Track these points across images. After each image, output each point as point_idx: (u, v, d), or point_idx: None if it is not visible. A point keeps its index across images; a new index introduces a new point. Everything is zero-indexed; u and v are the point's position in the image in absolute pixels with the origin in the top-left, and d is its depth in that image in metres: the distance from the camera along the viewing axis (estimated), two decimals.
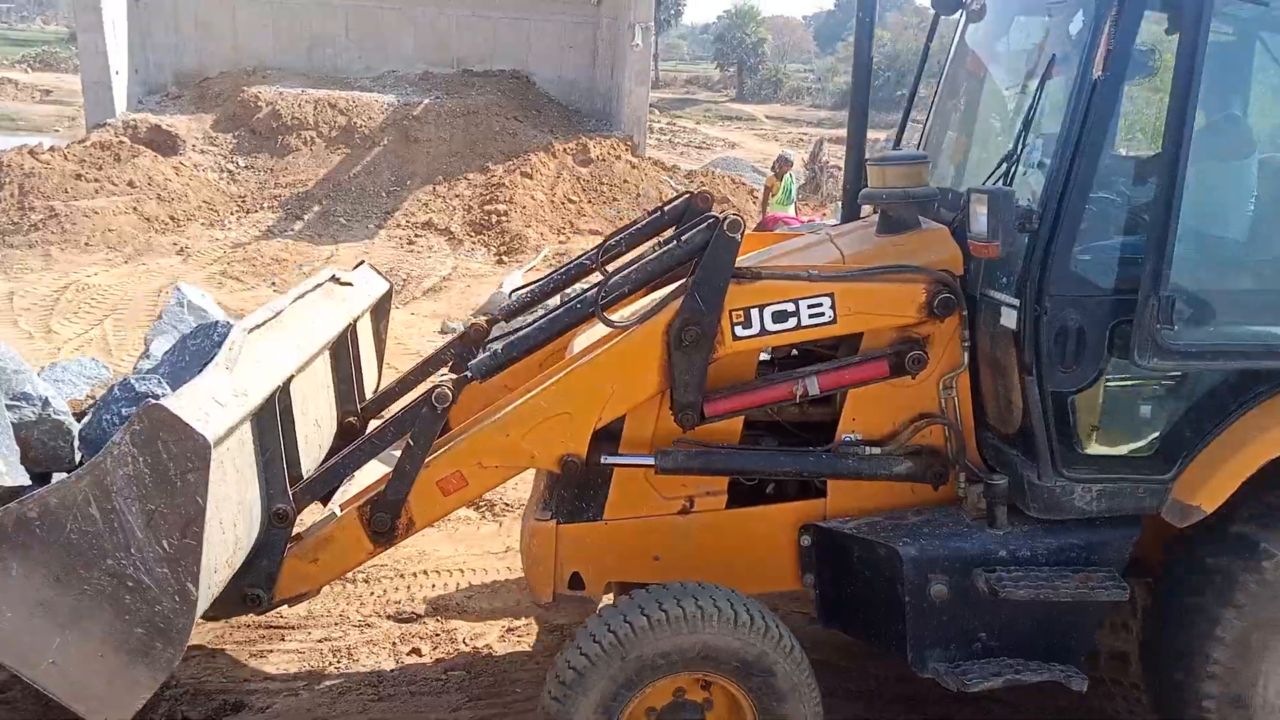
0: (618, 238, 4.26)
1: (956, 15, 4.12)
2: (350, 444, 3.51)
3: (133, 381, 3.07)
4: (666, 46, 64.16)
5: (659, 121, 36.27)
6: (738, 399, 3.42)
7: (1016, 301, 3.13)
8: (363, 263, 4.65)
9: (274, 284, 11.33)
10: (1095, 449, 3.22)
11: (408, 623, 4.56)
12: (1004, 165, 3.38)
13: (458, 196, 14.72)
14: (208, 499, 2.66)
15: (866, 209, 4.05)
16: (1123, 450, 3.25)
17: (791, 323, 3.33)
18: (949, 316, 3.33)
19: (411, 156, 15.37)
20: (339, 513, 3.47)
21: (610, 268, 4.25)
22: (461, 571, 5.06)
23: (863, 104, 4.00)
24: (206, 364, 3.23)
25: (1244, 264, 3.32)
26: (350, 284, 4.12)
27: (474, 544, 5.34)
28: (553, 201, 14.88)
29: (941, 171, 4.12)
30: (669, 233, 4.26)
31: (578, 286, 4.16)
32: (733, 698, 3.15)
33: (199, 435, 2.62)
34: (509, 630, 4.50)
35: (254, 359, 3.09)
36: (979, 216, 2.99)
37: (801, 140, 34.75)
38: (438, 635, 4.47)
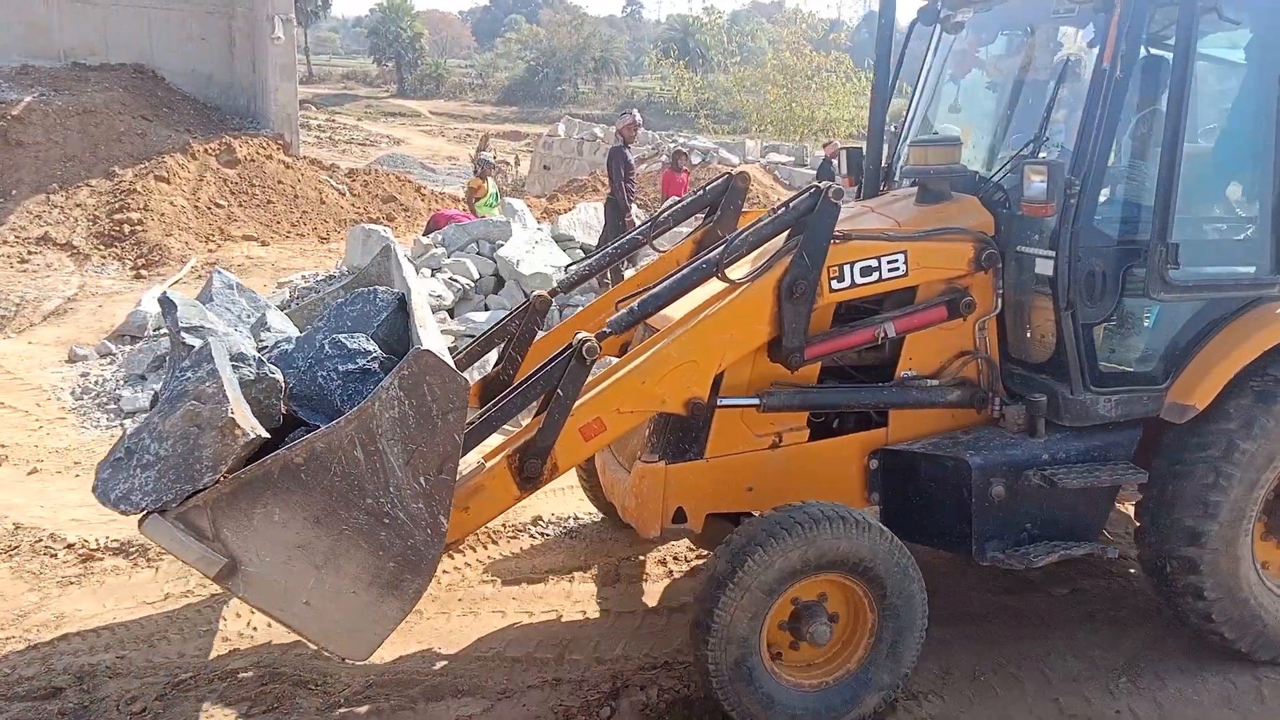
0: (665, 215, 4.74)
1: (932, 28, 4.90)
2: (497, 398, 3.77)
3: (343, 339, 3.22)
4: (318, 40, 62.94)
5: (316, 119, 35.32)
6: (831, 343, 4.01)
7: (1052, 253, 3.92)
8: None
9: None
10: (1112, 367, 4.07)
11: (45, 699, 3.80)
12: (1029, 145, 4.17)
13: (79, 206, 13.18)
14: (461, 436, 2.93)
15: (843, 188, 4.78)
16: (1132, 367, 4.11)
17: (874, 276, 3.97)
18: (990, 269, 4.08)
19: (16, 163, 13.52)
20: (485, 463, 3.74)
21: (658, 241, 4.75)
22: (111, 630, 4.36)
23: (883, 98, 4.68)
24: (370, 327, 3.45)
25: (1212, 220, 4.29)
26: None
27: (124, 596, 4.69)
28: (196, 207, 13.81)
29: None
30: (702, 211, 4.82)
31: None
32: (855, 599, 3.72)
33: (461, 377, 2.89)
34: (173, 684, 3.93)
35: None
36: (1034, 183, 3.74)
37: (469, 136, 35.16)
38: (83, 710, 3.74)
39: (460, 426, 2.93)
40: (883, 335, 4.05)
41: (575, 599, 4.79)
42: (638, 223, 10.22)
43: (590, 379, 3.72)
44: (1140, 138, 4.01)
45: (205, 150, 14.98)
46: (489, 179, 12.62)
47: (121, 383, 7.93)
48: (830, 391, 4.11)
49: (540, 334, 4.66)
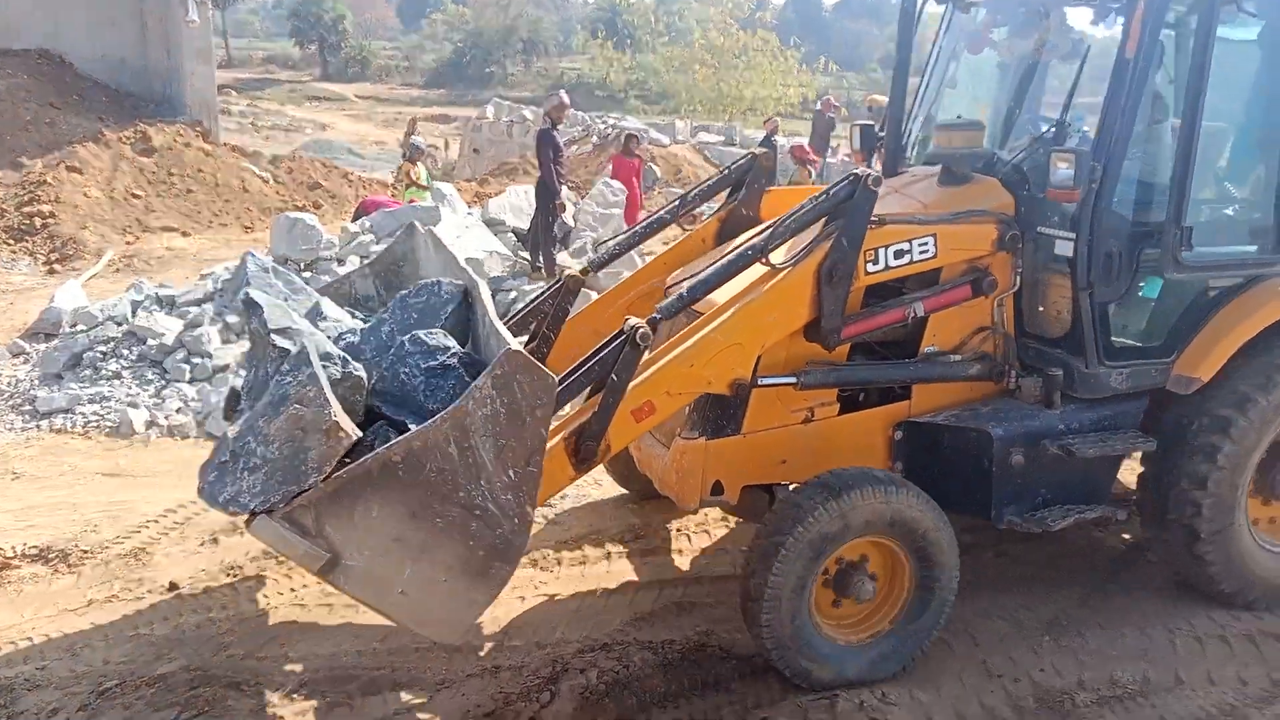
0: (692, 195, 4.85)
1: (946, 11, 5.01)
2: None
3: (423, 336, 3.29)
4: (236, 23, 60.31)
5: (237, 104, 34.30)
6: (866, 323, 4.20)
7: (1073, 235, 4.13)
8: None
9: None
10: (1123, 342, 4.33)
11: None
12: (1050, 130, 4.35)
13: None
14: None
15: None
16: (1141, 342, 4.38)
17: (906, 259, 4.15)
18: (1011, 250, 4.28)
19: None
20: None
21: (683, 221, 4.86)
22: (30, 640, 4.22)
23: (903, 79, 4.81)
24: (437, 318, 3.53)
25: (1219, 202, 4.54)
26: None
27: (44, 604, 4.56)
28: (112, 198, 13.37)
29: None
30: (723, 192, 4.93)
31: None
32: (895, 559, 3.97)
33: (550, 375, 3.02)
34: (97, 693, 3.81)
35: None
36: (1060, 170, 3.94)
37: (397, 119, 34.05)
38: None
39: (547, 421, 3.06)
40: (912, 315, 4.25)
41: (513, 585, 4.60)
42: (569, 205, 10.23)
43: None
44: (1154, 124, 4.21)
45: (119, 139, 14.39)
46: (420, 164, 12.41)
47: (36, 382, 7.57)
48: (862, 368, 4.30)
49: (572, 313, 4.76)
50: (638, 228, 4.86)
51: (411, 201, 11.01)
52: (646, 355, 3.83)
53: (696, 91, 31.89)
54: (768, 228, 3.99)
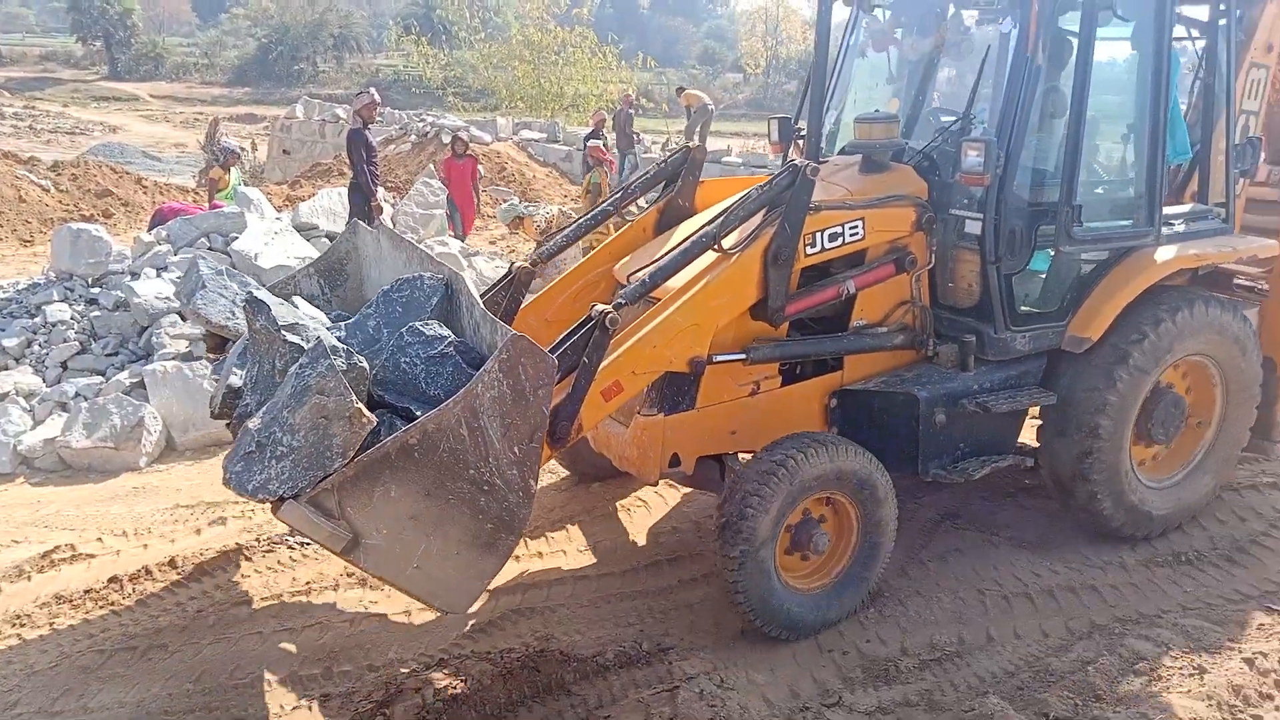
0: (633, 188, 5.14)
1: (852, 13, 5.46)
2: None
3: (420, 327, 3.44)
4: (7, 17, 56.95)
5: (11, 106, 32.92)
6: (805, 301, 4.59)
7: (980, 215, 4.63)
8: None
9: None
10: (1025, 309, 4.87)
11: None
12: (956, 122, 4.83)
13: None
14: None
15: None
16: (1041, 308, 4.93)
17: (839, 241, 4.57)
18: (927, 230, 4.76)
19: None
20: None
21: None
22: None
23: (822, 75, 5.20)
24: (422, 311, 3.72)
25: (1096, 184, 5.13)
26: None
27: None
28: None
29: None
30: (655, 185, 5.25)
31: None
32: (844, 511, 4.39)
33: (550, 358, 3.26)
34: None
35: None
36: (970, 157, 4.41)
37: (198, 120, 32.84)
38: None
39: (548, 400, 3.30)
40: (845, 292, 4.67)
41: (341, 608, 4.60)
42: (386, 207, 9.93)
43: None
44: (1047, 115, 4.75)
45: None
46: (233, 169, 11.76)
47: None
48: (802, 343, 4.70)
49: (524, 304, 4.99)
50: (581, 220, 5.11)
51: (214, 206, 10.26)
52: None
53: (517, 88, 31.43)
54: (719, 216, 4.32)
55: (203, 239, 8.70)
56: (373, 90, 10.23)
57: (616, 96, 20.47)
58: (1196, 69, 5.50)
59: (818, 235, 4.50)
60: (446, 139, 15.36)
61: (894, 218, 4.70)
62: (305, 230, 9.82)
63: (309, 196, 11.41)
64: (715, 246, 4.29)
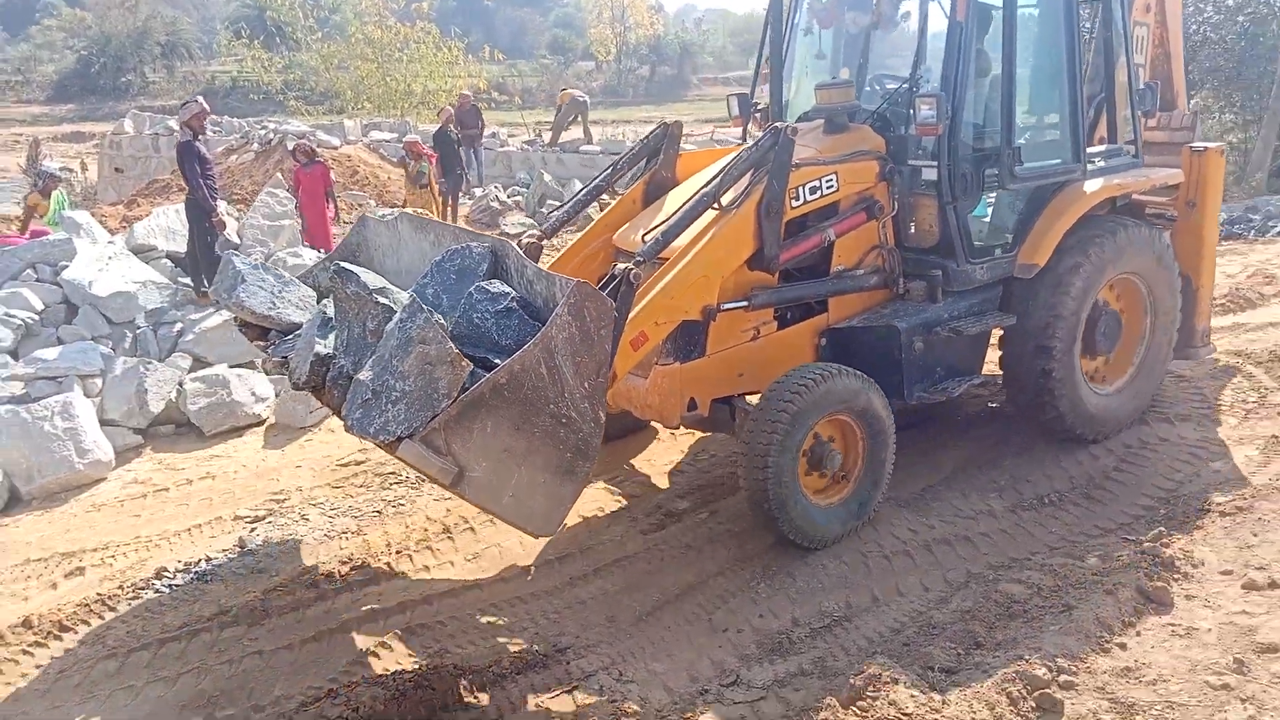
0: (621, 163, 5.61)
1: None
2: None
3: (486, 286, 3.83)
4: None
5: None
6: (795, 249, 5.14)
7: (935, 163, 5.26)
8: None
9: None
10: (981, 243, 5.51)
11: None
12: (903, 85, 5.45)
13: None
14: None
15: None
16: (993, 241, 5.58)
17: (818, 194, 5.14)
18: (889, 180, 5.36)
19: None
20: None
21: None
22: None
23: (778, 55, 5.76)
24: (474, 276, 4.13)
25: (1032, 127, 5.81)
26: None
27: None
28: None
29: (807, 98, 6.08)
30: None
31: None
32: (850, 433, 4.93)
33: (608, 300, 3.71)
34: None
35: None
36: (924, 111, 5.02)
37: (17, 142, 31.01)
38: None
39: (610, 339, 3.75)
40: (827, 239, 5.24)
41: (220, 648, 4.38)
42: (229, 221, 9.12)
43: None
44: (979, 73, 5.40)
45: None
46: (55, 193, 10.82)
47: None
48: (795, 287, 5.26)
49: None
50: (579, 194, 5.56)
51: (34, 234, 9.47)
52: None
53: (363, 88, 30.45)
54: (715, 178, 4.82)
55: (28, 270, 8.09)
56: (200, 99, 9.56)
57: (467, 90, 20.20)
58: (1093, 25, 6.27)
59: (800, 189, 5.05)
60: (290, 145, 14.48)
61: (861, 171, 5.29)
62: (143, 252, 9.32)
63: (146, 215, 10.69)
64: (714, 205, 4.79)
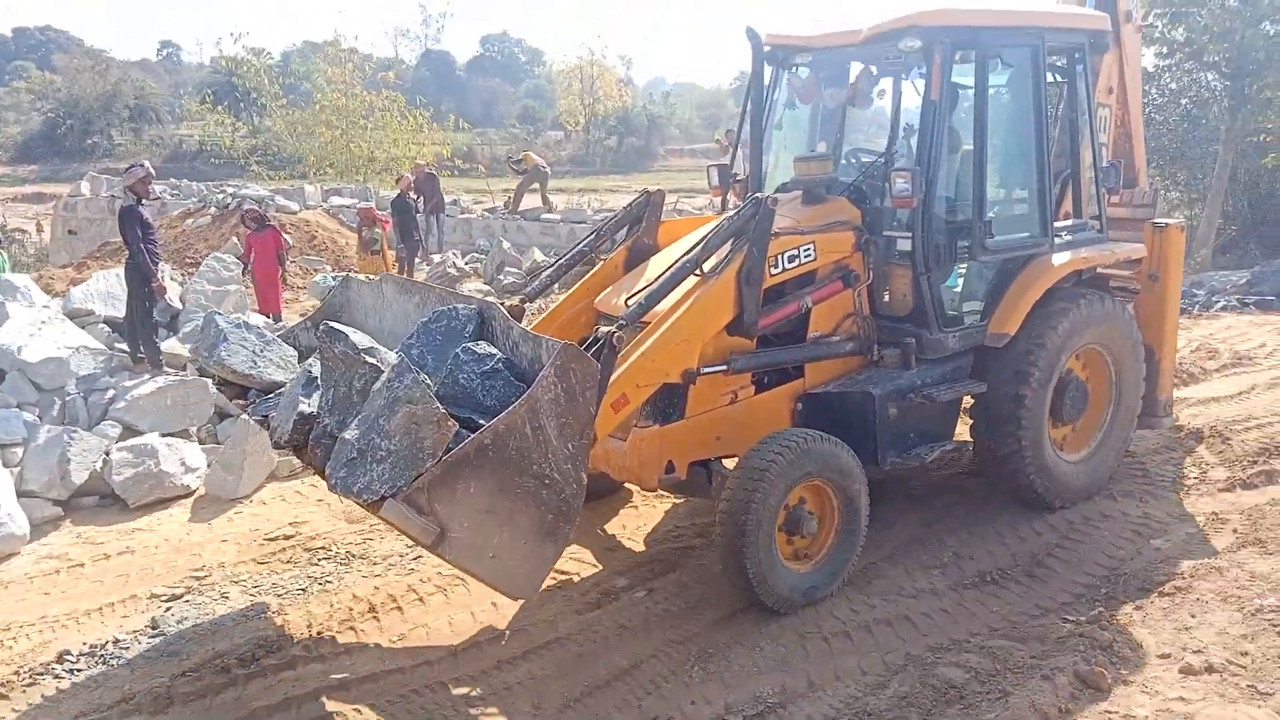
0: (605, 229, 5.73)
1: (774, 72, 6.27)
2: None
3: (473, 347, 3.87)
4: None
5: None
6: (773, 315, 5.25)
7: (910, 234, 5.41)
8: None
9: None
10: (953, 313, 5.65)
11: None
12: (879, 159, 5.63)
13: None
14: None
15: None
16: (965, 310, 5.73)
17: (796, 262, 5.26)
18: (864, 250, 5.51)
19: None
20: None
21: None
22: None
23: (759, 128, 5.94)
24: (460, 338, 4.18)
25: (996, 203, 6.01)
26: None
27: None
28: None
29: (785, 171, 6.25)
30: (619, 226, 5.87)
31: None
32: (826, 499, 4.98)
33: (594, 362, 3.77)
34: None
35: None
36: (899, 184, 5.19)
37: None
38: None
39: (595, 401, 3.79)
40: (805, 306, 5.36)
41: None
42: (172, 285, 8.95)
43: None
44: (953, 147, 5.61)
45: None
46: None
47: None
48: (773, 352, 5.35)
49: None
50: (562, 259, 5.65)
51: None
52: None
53: (326, 154, 30.36)
54: (696, 245, 4.93)
55: None
56: (146, 163, 9.32)
57: (432, 157, 20.29)
58: (1059, 106, 6.52)
59: (779, 257, 5.18)
60: (261, 208, 14.27)
61: (838, 241, 5.44)
62: (80, 316, 9.20)
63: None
64: (696, 271, 4.90)
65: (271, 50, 44.97)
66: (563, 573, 5.45)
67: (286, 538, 6.20)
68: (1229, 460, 6.58)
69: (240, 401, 4.78)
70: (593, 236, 5.72)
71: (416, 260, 15.40)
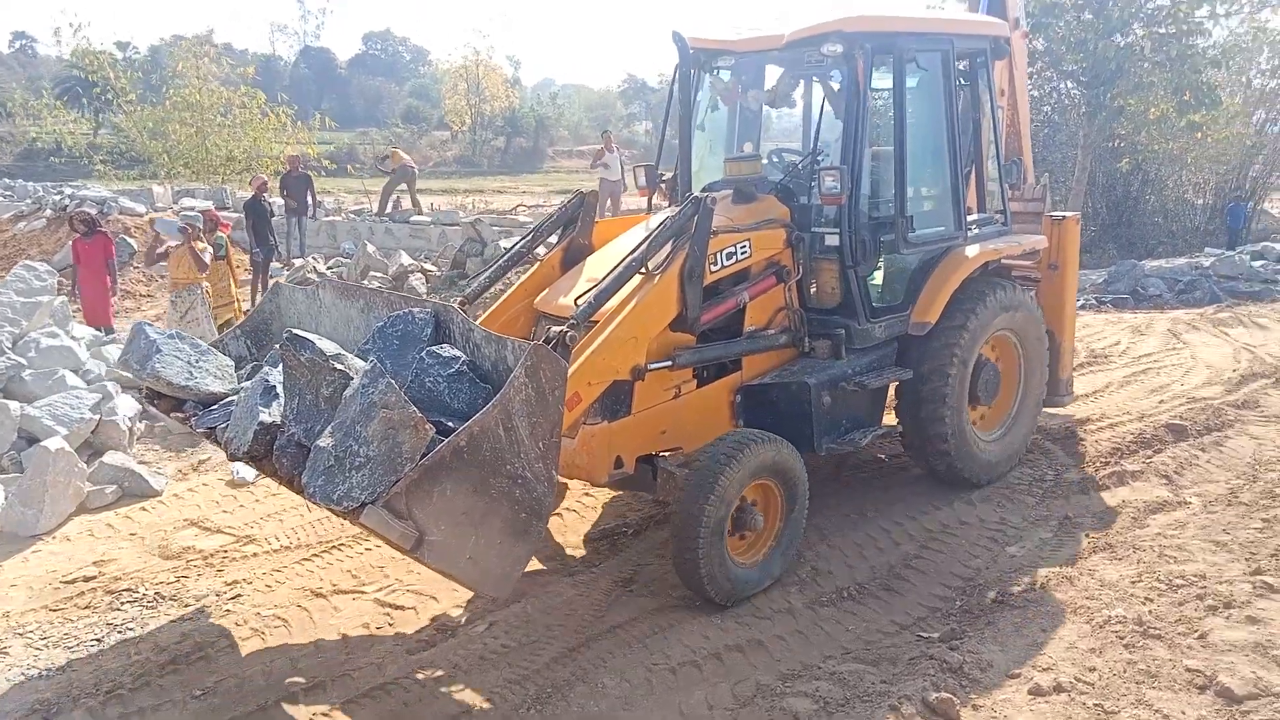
0: (540, 230, 5.76)
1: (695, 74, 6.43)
2: None
3: (437, 351, 3.83)
4: None
5: None
6: (713, 311, 5.38)
7: (838, 230, 5.65)
8: None
9: None
10: (879, 304, 5.92)
11: None
12: (806, 159, 5.85)
13: None
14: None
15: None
16: (889, 302, 6.00)
17: (734, 260, 5.42)
18: (794, 246, 5.72)
19: None
20: None
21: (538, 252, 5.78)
22: None
23: (687, 130, 6.07)
24: (418, 342, 4.17)
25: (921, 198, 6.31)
26: None
27: None
28: None
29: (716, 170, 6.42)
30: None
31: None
32: (770, 496, 5.14)
33: (562, 361, 3.82)
34: None
35: None
36: (828, 182, 5.41)
37: None
38: None
39: (563, 399, 3.84)
40: (741, 302, 5.52)
41: None
42: None
43: None
44: (875, 145, 5.87)
45: None
46: None
47: None
48: (714, 347, 5.49)
49: None
50: (501, 260, 5.66)
51: None
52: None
53: (178, 153, 28.78)
54: (641, 244, 5.03)
55: None
56: None
57: (299, 158, 19.51)
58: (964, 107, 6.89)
59: (718, 255, 5.32)
60: (92, 210, 13.29)
61: (771, 238, 5.62)
62: None
63: None
64: (641, 270, 4.99)
65: (138, 44, 42.15)
66: (399, 607, 5.12)
67: (87, 579, 5.49)
68: (1082, 461, 6.86)
69: (178, 415, 4.61)
70: (529, 236, 5.74)
71: (274, 264, 14.48)
